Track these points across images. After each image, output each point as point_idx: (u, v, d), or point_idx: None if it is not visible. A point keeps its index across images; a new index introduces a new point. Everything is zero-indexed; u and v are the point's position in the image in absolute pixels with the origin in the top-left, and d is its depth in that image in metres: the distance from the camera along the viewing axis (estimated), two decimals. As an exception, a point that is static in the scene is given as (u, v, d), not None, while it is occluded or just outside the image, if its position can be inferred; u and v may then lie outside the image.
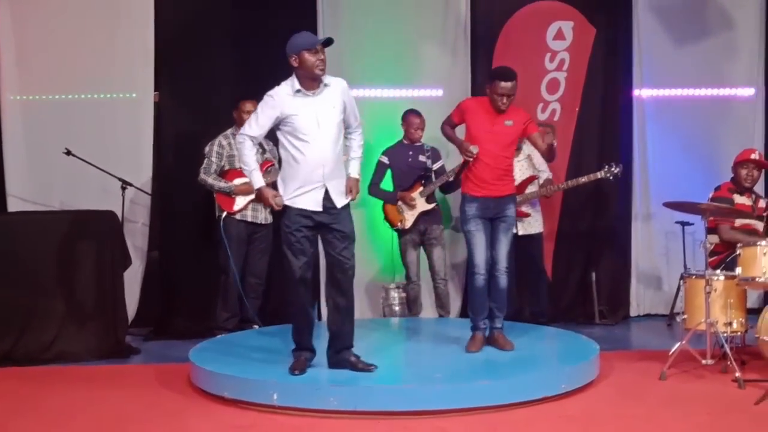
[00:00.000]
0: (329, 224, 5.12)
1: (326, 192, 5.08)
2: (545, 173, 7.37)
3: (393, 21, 7.94)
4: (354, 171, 5.29)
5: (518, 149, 7.18)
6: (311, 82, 5.06)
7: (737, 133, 7.99)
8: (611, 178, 7.02)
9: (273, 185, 6.90)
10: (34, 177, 7.69)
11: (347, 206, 5.22)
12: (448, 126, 5.97)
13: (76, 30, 7.68)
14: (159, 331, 7.35)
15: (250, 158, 5.16)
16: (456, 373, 5.29)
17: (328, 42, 5.02)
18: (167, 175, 7.73)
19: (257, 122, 5.11)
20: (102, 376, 5.90)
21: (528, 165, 7.27)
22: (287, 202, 5.12)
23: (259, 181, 5.16)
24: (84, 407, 5.11)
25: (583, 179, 7.14)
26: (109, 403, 5.20)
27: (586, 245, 8.07)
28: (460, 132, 5.93)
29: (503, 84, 5.65)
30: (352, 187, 5.22)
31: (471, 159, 5.69)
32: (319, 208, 5.08)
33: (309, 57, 4.97)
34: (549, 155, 5.98)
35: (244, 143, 5.15)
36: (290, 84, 5.09)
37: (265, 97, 5.11)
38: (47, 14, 7.68)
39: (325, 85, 5.10)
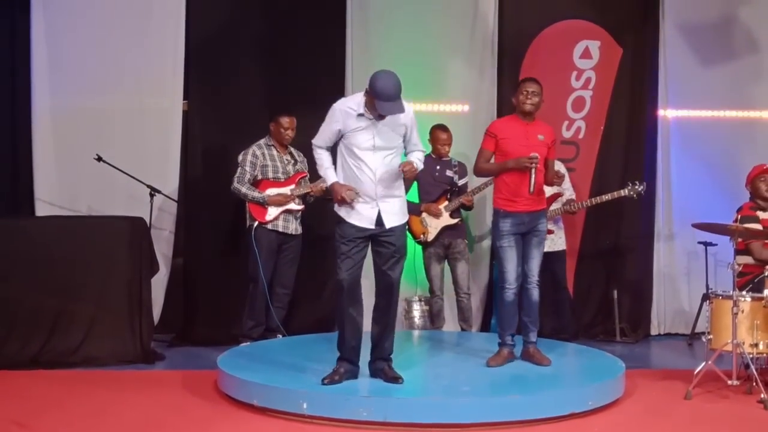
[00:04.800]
0: (380, 236, 5.18)
1: (379, 212, 5.15)
2: (568, 191, 7.41)
3: (421, 37, 7.99)
4: (412, 157, 5.32)
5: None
6: (375, 111, 5.09)
7: (762, 157, 7.96)
8: (635, 196, 7.08)
9: (303, 198, 7.03)
10: (63, 182, 7.72)
11: (402, 225, 5.27)
12: (483, 160, 5.83)
13: (107, 38, 7.73)
14: (182, 338, 7.41)
15: (321, 157, 5.27)
16: (484, 387, 5.32)
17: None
18: (194, 183, 7.77)
19: (323, 135, 5.25)
20: (128, 381, 5.94)
21: None
22: (343, 215, 5.18)
23: (332, 177, 5.22)
24: (112, 411, 5.14)
25: (607, 197, 7.20)
26: (137, 407, 5.24)
27: (608, 263, 8.09)
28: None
29: (530, 83, 5.80)
30: (404, 164, 5.19)
31: (536, 164, 5.56)
32: (372, 226, 5.15)
33: (377, 105, 4.99)
34: (549, 181, 5.98)
35: (317, 149, 5.28)
36: (357, 102, 5.14)
37: (331, 110, 5.21)
38: (79, 23, 7.73)
39: None
